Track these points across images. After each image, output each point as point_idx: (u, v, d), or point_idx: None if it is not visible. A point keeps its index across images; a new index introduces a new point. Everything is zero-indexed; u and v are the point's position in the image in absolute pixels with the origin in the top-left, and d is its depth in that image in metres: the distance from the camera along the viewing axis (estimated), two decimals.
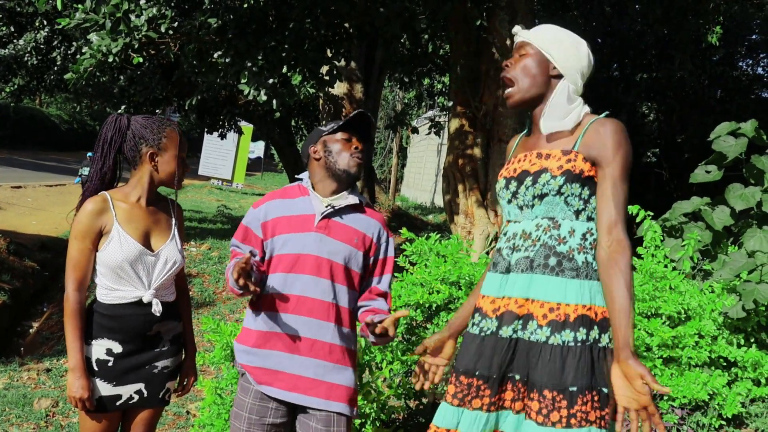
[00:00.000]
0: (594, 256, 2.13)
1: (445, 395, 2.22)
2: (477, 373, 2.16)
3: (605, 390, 2.08)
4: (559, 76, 2.24)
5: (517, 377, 2.13)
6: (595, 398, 2.06)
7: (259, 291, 2.58)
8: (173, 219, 2.79)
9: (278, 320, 2.60)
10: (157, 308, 2.66)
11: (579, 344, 2.07)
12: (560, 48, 2.24)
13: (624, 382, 1.98)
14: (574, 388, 2.05)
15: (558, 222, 2.15)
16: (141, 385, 2.70)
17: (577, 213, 2.14)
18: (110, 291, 2.64)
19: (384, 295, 2.75)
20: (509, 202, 2.26)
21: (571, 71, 2.24)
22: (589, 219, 2.15)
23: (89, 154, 17.44)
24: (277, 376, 2.60)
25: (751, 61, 15.46)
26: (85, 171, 17.09)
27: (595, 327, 2.09)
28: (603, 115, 2.21)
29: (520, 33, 2.33)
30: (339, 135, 2.68)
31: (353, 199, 2.68)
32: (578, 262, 2.11)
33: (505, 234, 2.28)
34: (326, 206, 2.65)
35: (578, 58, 2.25)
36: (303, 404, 2.60)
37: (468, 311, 2.43)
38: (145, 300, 2.65)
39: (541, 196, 2.16)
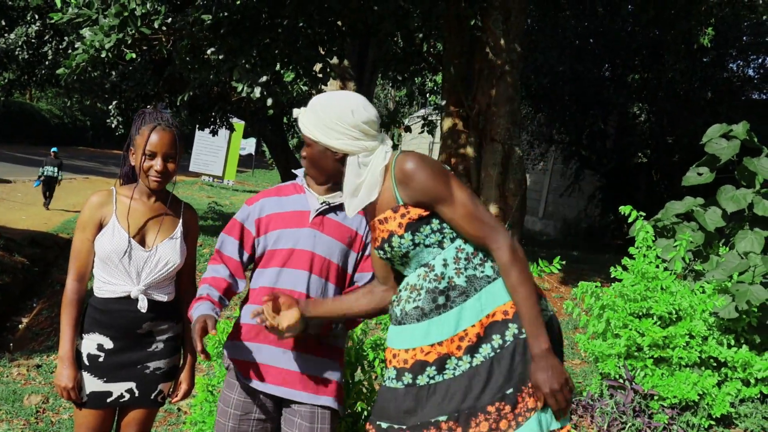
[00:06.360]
0: (474, 266, 2.16)
1: None
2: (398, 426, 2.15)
3: None
4: (345, 156, 2.20)
5: (442, 419, 2.12)
6: (529, 386, 2.11)
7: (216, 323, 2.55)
8: (180, 220, 2.77)
9: None
10: (142, 304, 2.65)
11: (498, 350, 2.12)
12: (328, 131, 2.18)
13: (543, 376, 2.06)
14: (510, 390, 2.09)
15: (431, 264, 2.17)
16: (132, 384, 2.70)
17: (440, 243, 2.17)
18: (103, 284, 2.66)
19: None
20: (391, 264, 2.30)
21: (351, 146, 2.19)
22: (452, 240, 2.17)
23: (54, 149, 17.08)
24: (265, 370, 2.60)
25: (741, 63, 15.51)
26: (48, 171, 16.25)
27: (510, 325, 2.13)
28: (398, 154, 2.17)
29: (296, 116, 2.28)
30: None
31: None
32: (462, 285, 2.14)
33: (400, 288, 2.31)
34: (321, 203, 2.64)
35: (349, 125, 2.17)
36: (290, 398, 2.61)
37: (330, 310, 2.43)
38: (133, 295, 2.65)
39: (405, 255, 2.19)
